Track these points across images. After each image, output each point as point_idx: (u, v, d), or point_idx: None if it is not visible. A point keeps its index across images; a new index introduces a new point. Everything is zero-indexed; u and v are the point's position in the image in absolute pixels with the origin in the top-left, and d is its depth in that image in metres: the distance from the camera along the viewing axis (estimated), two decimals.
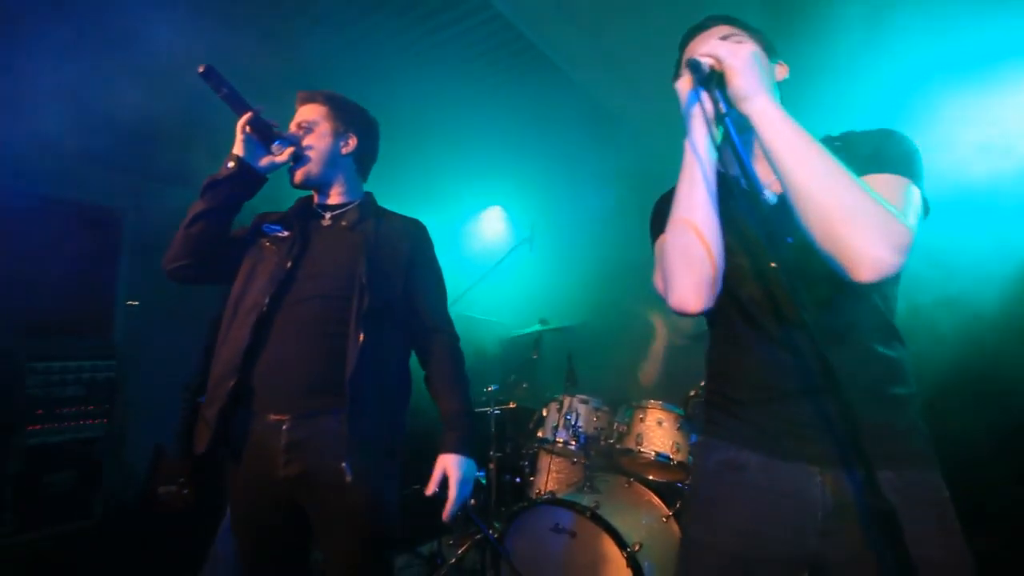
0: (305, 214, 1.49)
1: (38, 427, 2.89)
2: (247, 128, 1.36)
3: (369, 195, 1.58)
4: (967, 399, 2.12)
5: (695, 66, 0.86)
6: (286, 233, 1.43)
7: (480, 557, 2.48)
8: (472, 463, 1.37)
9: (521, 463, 2.84)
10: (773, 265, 1.04)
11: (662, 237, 1.04)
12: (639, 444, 2.28)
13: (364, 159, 1.56)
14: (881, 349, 1.01)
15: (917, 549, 0.84)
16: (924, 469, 0.97)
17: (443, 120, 3.31)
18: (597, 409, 2.50)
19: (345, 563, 1.29)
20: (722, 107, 0.87)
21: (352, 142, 1.50)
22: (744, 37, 1.07)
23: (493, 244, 4.16)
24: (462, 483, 1.33)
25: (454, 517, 1.33)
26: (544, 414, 2.65)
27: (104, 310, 3.68)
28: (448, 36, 2.48)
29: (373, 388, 1.28)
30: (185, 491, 3.22)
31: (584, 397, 2.52)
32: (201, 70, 1.28)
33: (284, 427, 1.26)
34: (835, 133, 1.13)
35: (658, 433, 2.28)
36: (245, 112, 1.35)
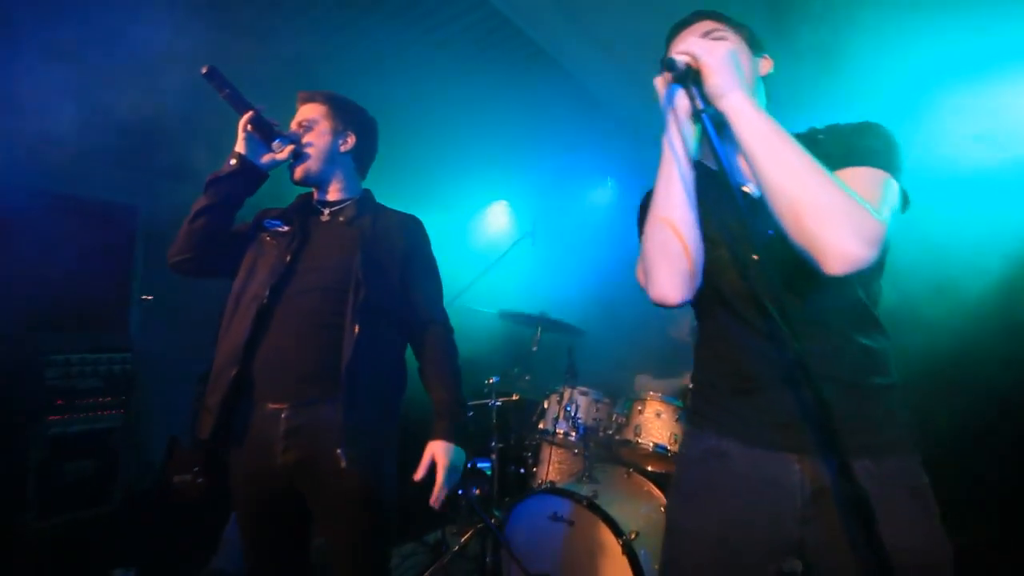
0: (305, 210, 1.54)
1: (58, 417, 3.00)
2: (248, 127, 1.41)
3: (367, 192, 1.62)
4: (954, 386, 2.12)
5: (670, 64, 0.88)
6: (286, 228, 1.47)
7: (482, 545, 2.53)
8: (461, 451, 1.41)
9: (524, 454, 2.89)
10: (755, 257, 1.06)
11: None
12: (637, 435, 2.31)
13: (363, 157, 1.60)
14: (862, 339, 1.02)
15: (895, 535, 0.86)
16: (903, 457, 0.98)
17: (448, 118, 3.34)
18: (597, 401, 2.53)
19: (343, 547, 1.35)
20: (699, 104, 0.89)
21: (351, 140, 1.54)
22: (727, 32, 1.09)
23: (498, 238, 4.20)
24: (450, 470, 1.37)
25: (443, 502, 1.37)
26: (545, 406, 2.69)
27: (119, 304, 3.79)
28: (447, 34, 2.50)
29: (368, 378, 1.33)
30: (199, 480, 3.33)
31: (584, 389, 2.55)
32: (204, 71, 1.33)
33: (283, 415, 1.31)
34: (820, 126, 1.14)
35: (656, 425, 2.30)
36: (246, 111, 1.40)
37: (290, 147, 1.45)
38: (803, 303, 1.01)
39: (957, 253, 2.06)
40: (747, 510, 1.02)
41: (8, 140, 2.51)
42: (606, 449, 2.53)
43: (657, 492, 2.29)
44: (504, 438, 3.15)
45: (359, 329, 1.32)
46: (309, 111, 1.52)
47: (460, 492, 2.76)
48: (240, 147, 1.42)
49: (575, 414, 2.48)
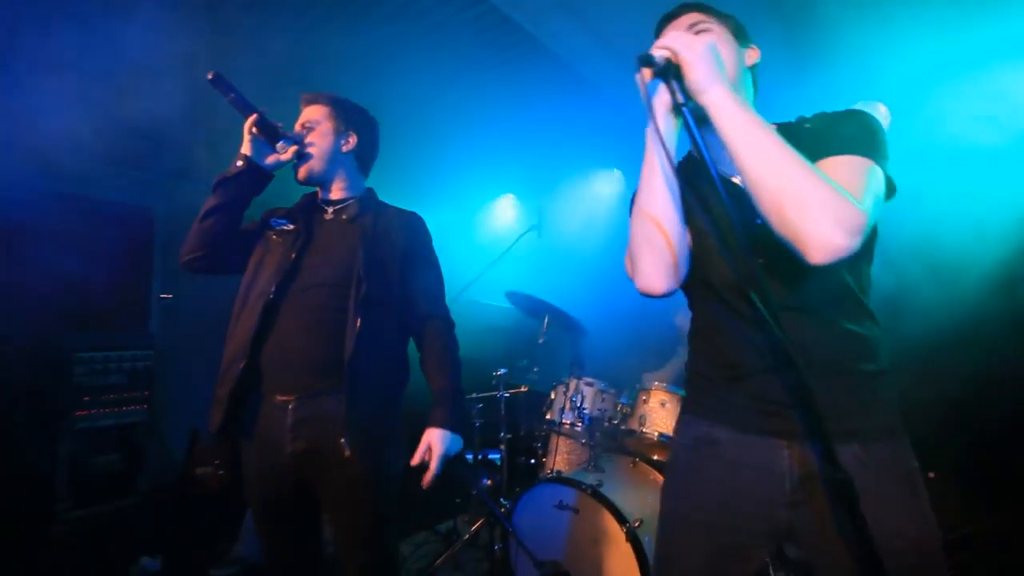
0: (309, 208, 1.59)
1: (85, 412, 3.11)
2: (254, 129, 1.46)
3: (370, 190, 1.66)
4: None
5: (648, 60, 0.90)
6: (291, 226, 1.53)
7: (491, 534, 2.59)
8: (457, 438, 1.46)
9: (534, 445, 2.93)
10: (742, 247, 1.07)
11: None
12: (642, 425, 2.34)
13: (364, 156, 1.65)
14: (850, 326, 1.03)
15: (883, 519, 0.88)
16: (891, 442, 0.99)
17: (455, 114, 3.38)
18: (603, 391, 2.56)
19: (349, 533, 1.40)
20: (679, 97, 0.91)
21: (352, 140, 1.59)
22: (712, 24, 1.09)
23: (505, 232, 4.23)
24: (443, 456, 1.42)
25: (432, 483, 1.42)
26: (552, 397, 2.73)
27: (140, 303, 3.92)
28: (448, 31, 2.53)
29: (370, 370, 1.37)
30: (220, 472, 3.44)
31: (590, 380, 2.58)
32: (210, 77, 1.37)
33: (290, 407, 1.37)
34: (809, 114, 1.14)
35: (661, 414, 2.32)
36: (251, 114, 1.45)
37: (294, 148, 1.50)
38: (791, 291, 1.02)
39: (955, 238, 2.04)
40: (737, 495, 1.04)
41: (27, 148, 2.62)
42: (612, 439, 2.56)
43: (662, 481, 2.31)
44: (513, 429, 3.20)
45: (360, 323, 1.37)
46: (312, 113, 1.57)
47: (472, 482, 2.81)
48: (246, 149, 1.47)
49: (581, 404, 2.52)
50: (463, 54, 2.73)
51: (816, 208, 0.83)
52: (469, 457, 3.17)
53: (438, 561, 2.71)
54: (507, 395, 2.93)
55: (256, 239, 1.55)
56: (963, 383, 2.15)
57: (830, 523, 0.95)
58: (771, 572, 1.87)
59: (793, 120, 1.13)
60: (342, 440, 1.32)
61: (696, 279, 1.13)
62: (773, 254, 0.98)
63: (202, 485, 3.42)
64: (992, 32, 2.06)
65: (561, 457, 2.70)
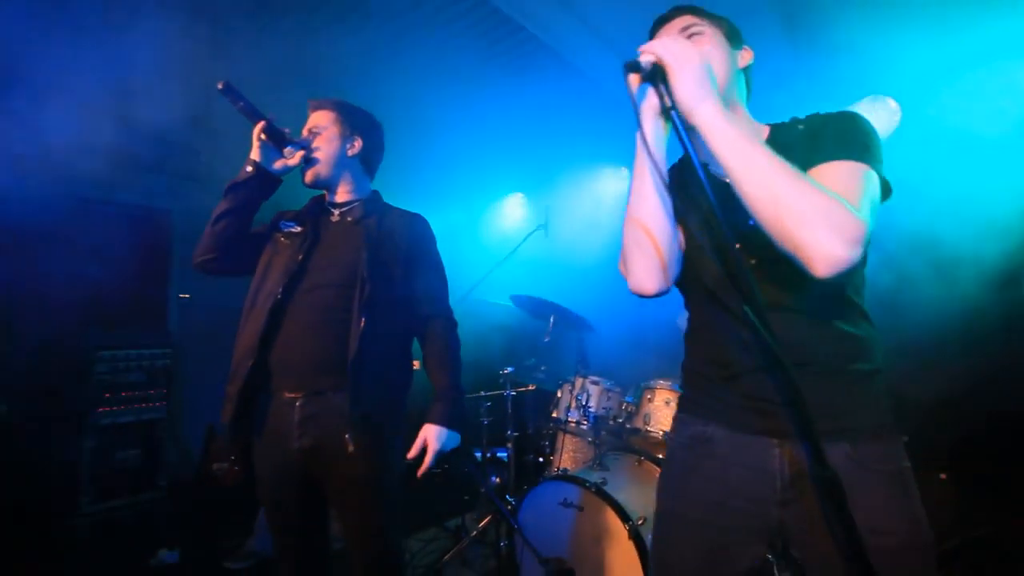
0: (317, 211, 1.64)
1: (107, 409, 3.21)
2: (262, 135, 1.51)
3: (375, 192, 1.70)
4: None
5: (635, 67, 0.91)
6: (299, 229, 1.57)
7: (497, 531, 2.62)
8: (454, 434, 1.50)
9: (542, 443, 2.95)
10: (738, 246, 1.08)
11: None
12: (647, 424, 2.35)
13: (370, 159, 1.69)
14: (843, 326, 1.03)
15: (872, 517, 0.89)
16: (881, 441, 0.99)
17: (464, 115, 3.40)
18: (608, 390, 2.57)
19: (355, 528, 1.45)
20: (667, 101, 0.92)
21: (358, 144, 1.63)
22: (705, 26, 1.10)
23: (514, 231, 4.25)
24: (438, 451, 1.47)
25: (427, 476, 1.48)
26: (559, 395, 2.75)
27: (159, 303, 4.03)
28: (455, 34, 2.57)
29: (374, 368, 1.42)
30: (236, 468, 3.51)
31: (595, 378, 2.60)
32: (220, 87, 1.42)
33: (297, 403, 1.42)
34: (803, 114, 1.15)
35: (665, 413, 2.33)
36: (260, 121, 1.50)
37: (301, 153, 1.54)
38: (784, 291, 1.03)
39: (955, 234, 2.02)
40: (730, 494, 1.05)
41: (47, 155, 2.72)
42: (617, 437, 2.57)
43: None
44: (521, 427, 3.22)
45: (364, 323, 1.41)
46: (318, 118, 1.61)
47: (480, 479, 2.84)
48: (255, 155, 1.52)
49: (586, 403, 2.53)
50: (468, 56, 2.77)
51: (816, 222, 0.83)
52: (478, 455, 3.21)
53: (446, 557, 2.75)
54: (514, 393, 2.96)
55: (265, 241, 1.60)
56: (966, 379, 2.12)
57: (820, 521, 0.95)
58: (776, 572, 1.88)
59: (787, 120, 1.14)
60: (346, 436, 1.36)
61: (690, 279, 1.15)
62: (765, 254, 0.98)
63: (218, 480, 3.51)
64: (995, 27, 2.03)
65: (567, 455, 2.72)
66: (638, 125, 0.99)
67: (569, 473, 2.26)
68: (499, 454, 3.33)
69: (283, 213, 1.66)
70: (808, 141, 1.02)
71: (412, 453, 1.46)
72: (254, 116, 1.49)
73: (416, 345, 1.63)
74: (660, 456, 2.43)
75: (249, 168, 1.52)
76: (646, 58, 0.91)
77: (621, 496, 2.07)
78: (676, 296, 1.23)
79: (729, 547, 1.06)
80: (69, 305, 3.39)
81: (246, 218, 1.56)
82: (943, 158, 2.12)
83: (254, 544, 2.79)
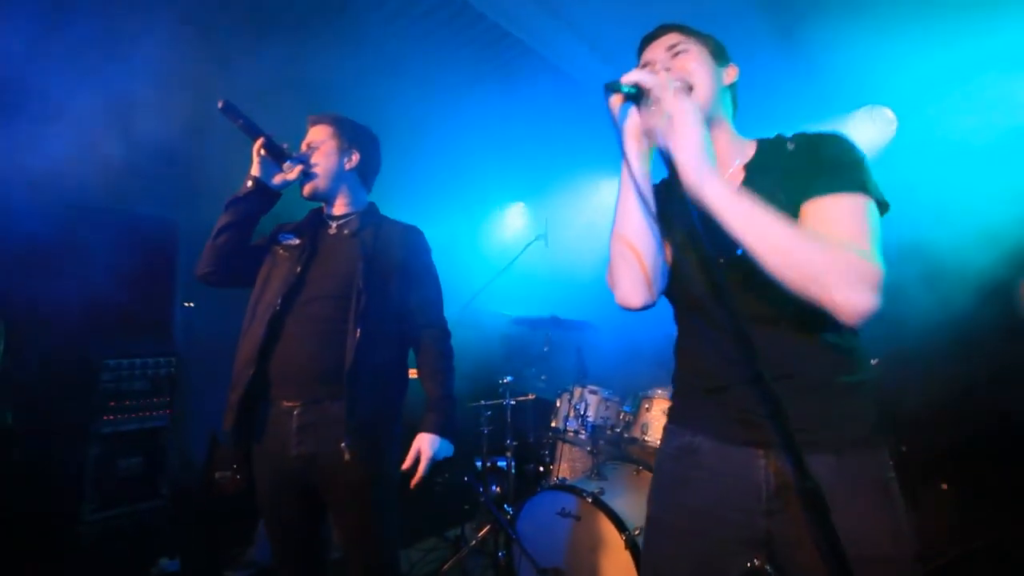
0: (315, 223, 1.67)
1: (111, 417, 3.24)
2: (262, 151, 1.54)
3: (372, 204, 1.74)
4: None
5: (616, 87, 0.94)
6: (297, 241, 1.61)
7: (495, 541, 2.62)
8: (446, 443, 1.52)
9: (542, 452, 2.96)
10: (721, 261, 1.10)
11: None
12: (644, 433, 2.35)
13: (367, 172, 1.72)
14: (828, 338, 1.04)
15: (855, 529, 0.89)
16: (865, 453, 1.00)
17: (464, 126, 3.45)
18: (607, 400, 2.58)
19: (352, 534, 1.47)
20: (650, 122, 0.95)
21: (355, 158, 1.67)
22: (691, 44, 1.12)
23: (515, 240, 4.28)
24: (431, 459, 1.49)
25: (428, 483, 1.50)
26: (558, 405, 2.76)
27: (164, 312, 4.06)
28: (455, 47, 2.62)
29: (369, 378, 1.44)
30: (238, 476, 3.54)
31: (594, 388, 2.61)
32: (220, 105, 1.46)
33: (295, 412, 1.44)
34: (797, 122, 1.16)
35: (663, 422, 2.32)
36: (259, 137, 1.53)
37: (299, 167, 1.58)
38: (768, 304, 1.04)
39: (945, 245, 2.03)
40: (716, 504, 1.06)
41: (56, 164, 2.77)
42: (616, 447, 2.58)
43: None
44: (521, 437, 3.23)
45: (360, 333, 1.44)
46: (316, 133, 1.65)
47: (480, 489, 2.85)
48: (255, 170, 1.56)
49: (584, 412, 2.54)
50: (466, 67, 2.81)
51: (839, 282, 0.86)
52: (478, 464, 3.21)
53: (445, 567, 2.75)
54: (513, 403, 2.97)
55: (265, 253, 1.63)
56: (962, 387, 2.12)
57: (804, 531, 0.96)
58: None
59: (772, 137, 1.16)
60: (343, 445, 1.39)
61: (676, 293, 1.17)
62: (749, 269, 1.01)
63: (220, 488, 3.52)
64: (988, 38, 2.05)
65: (567, 464, 2.73)
66: (620, 145, 1.02)
67: (567, 483, 2.27)
68: (499, 463, 3.34)
69: (282, 225, 1.70)
70: (800, 164, 1.03)
71: (407, 463, 1.48)
72: (253, 133, 1.53)
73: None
74: None
75: (249, 183, 1.56)
76: (628, 78, 0.93)
77: (618, 506, 2.07)
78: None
79: (719, 556, 1.07)
80: (75, 314, 3.43)
81: (246, 232, 1.59)
82: (934, 167, 2.14)
83: (254, 553, 2.80)
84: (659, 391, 2.44)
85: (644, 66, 1.14)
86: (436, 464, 1.50)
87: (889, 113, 2.73)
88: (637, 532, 1.99)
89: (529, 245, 3.28)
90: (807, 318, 1.04)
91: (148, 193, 3.85)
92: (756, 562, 1.08)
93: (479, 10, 2.30)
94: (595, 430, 2.50)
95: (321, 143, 1.63)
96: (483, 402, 3.15)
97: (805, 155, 1.04)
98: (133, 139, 2.85)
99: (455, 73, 2.88)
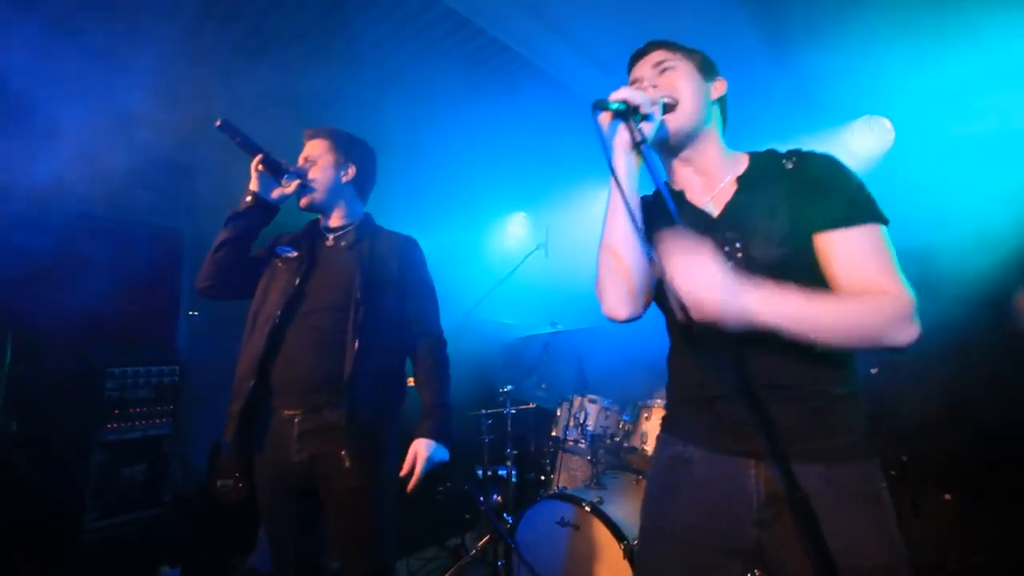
0: (312, 235, 1.70)
1: (115, 425, 3.26)
2: (260, 167, 1.57)
3: (368, 216, 1.77)
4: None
5: (604, 105, 0.96)
6: (296, 253, 1.63)
7: (494, 550, 2.62)
8: (442, 448, 1.55)
9: (542, 461, 2.96)
10: None
11: None
12: (643, 442, 2.35)
13: (363, 184, 1.75)
14: (821, 350, 1.05)
15: (845, 538, 0.90)
16: (856, 463, 1.00)
17: (465, 137, 3.48)
18: (606, 409, 2.58)
19: (350, 539, 1.49)
20: (638, 136, 0.97)
21: (351, 171, 1.69)
22: (678, 60, 1.14)
23: (516, 249, 4.30)
24: (427, 465, 1.51)
25: (429, 492, 1.50)
26: (558, 414, 2.76)
27: (168, 321, 4.10)
28: (455, 60, 2.66)
29: (368, 387, 1.47)
30: (240, 484, 3.55)
31: (593, 397, 2.61)
32: (218, 124, 1.49)
33: (296, 420, 1.47)
34: (783, 150, 1.17)
35: None
36: (257, 153, 1.56)
37: (296, 182, 1.61)
38: None
39: (943, 251, 2.03)
40: (707, 514, 1.06)
41: (60, 175, 2.82)
42: (615, 456, 2.58)
43: None
44: (522, 446, 3.22)
45: (358, 344, 1.47)
46: (313, 147, 1.68)
47: (481, 498, 2.85)
48: (253, 185, 1.59)
49: (584, 422, 2.54)
50: (467, 81, 2.85)
51: (885, 330, 0.92)
52: (479, 473, 3.21)
53: None
54: (514, 412, 2.97)
55: (264, 265, 1.66)
56: (962, 395, 2.11)
57: (795, 541, 0.97)
58: None
59: (763, 151, 1.17)
60: (342, 452, 1.41)
61: (667, 304, 1.18)
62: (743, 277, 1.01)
63: (223, 497, 3.53)
64: (986, 46, 2.06)
65: (567, 474, 2.73)
66: (608, 160, 1.04)
67: (566, 492, 2.27)
68: (500, 472, 3.34)
69: (280, 237, 1.73)
70: (802, 186, 1.04)
71: (404, 470, 1.51)
72: (252, 149, 1.56)
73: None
74: None
75: (248, 198, 1.59)
76: (616, 96, 0.96)
77: (617, 515, 2.07)
78: None
79: (712, 566, 1.07)
80: (79, 324, 3.46)
81: (245, 246, 1.62)
82: (931, 173, 2.14)
83: (254, 561, 2.81)
84: (658, 401, 2.44)
85: (632, 83, 1.16)
86: (437, 473, 1.52)
87: (887, 123, 2.74)
88: (636, 542, 1.99)
89: (530, 254, 3.29)
90: None
91: (154, 205, 3.90)
92: (757, 572, 1.09)
93: (478, 24, 2.35)
94: (595, 439, 2.50)
95: (318, 157, 1.66)
96: (484, 411, 3.16)
97: (805, 177, 1.05)
98: (136, 152, 2.90)
99: (456, 86, 2.91)
